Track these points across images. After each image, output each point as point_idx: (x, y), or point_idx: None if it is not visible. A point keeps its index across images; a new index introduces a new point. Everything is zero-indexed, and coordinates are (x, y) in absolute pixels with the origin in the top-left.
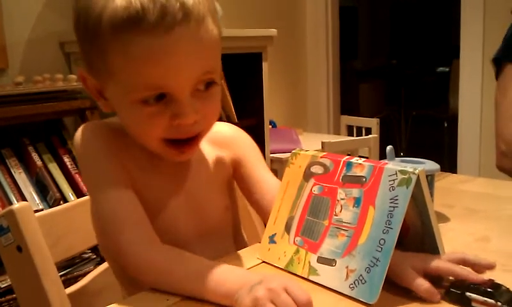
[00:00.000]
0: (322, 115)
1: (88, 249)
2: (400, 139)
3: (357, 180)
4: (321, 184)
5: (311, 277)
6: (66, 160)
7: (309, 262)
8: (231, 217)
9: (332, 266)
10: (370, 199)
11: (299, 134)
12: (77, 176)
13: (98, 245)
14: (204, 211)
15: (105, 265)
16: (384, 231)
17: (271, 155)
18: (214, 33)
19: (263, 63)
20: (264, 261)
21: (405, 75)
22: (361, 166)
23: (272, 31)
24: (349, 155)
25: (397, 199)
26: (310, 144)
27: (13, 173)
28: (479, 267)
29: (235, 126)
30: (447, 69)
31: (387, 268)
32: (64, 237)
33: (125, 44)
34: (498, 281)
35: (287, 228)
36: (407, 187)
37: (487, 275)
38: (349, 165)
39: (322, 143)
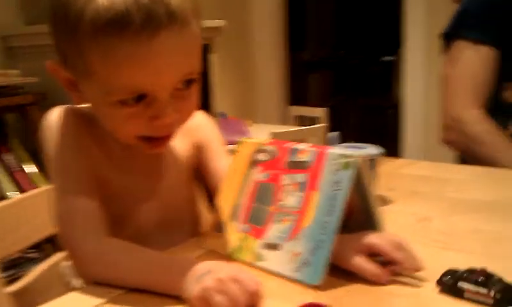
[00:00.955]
0: (271, 106)
1: (33, 249)
2: (348, 128)
3: (301, 166)
4: (266, 171)
5: (257, 263)
6: (8, 157)
7: (255, 248)
8: (194, 208)
9: (278, 251)
10: (313, 183)
11: (249, 125)
12: (19, 173)
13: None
14: (169, 203)
15: (49, 262)
16: (328, 214)
17: None
18: (197, 33)
19: (211, 55)
20: (211, 250)
21: (351, 65)
22: (305, 152)
23: (220, 22)
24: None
25: (339, 183)
26: (260, 134)
27: None
28: (406, 261)
29: (201, 112)
30: (392, 58)
31: (331, 250)
32: (6, 235)
33: (106, 47)
34: (439, 258)
35: (234, 216)
36: (349, 171)
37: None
38: (293, 151)
39: (272, 134)
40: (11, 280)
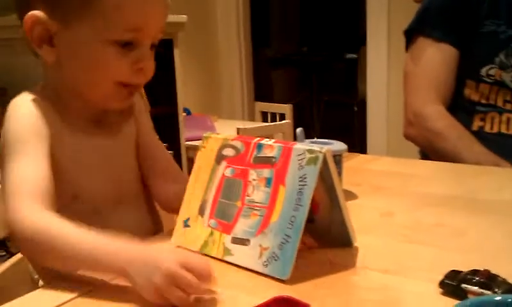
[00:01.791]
0: (236, 102)
1: None
2: (313, 124)
3: (267, 161)
4: (233, 166)
5: (226, 258)
6: None
7: (223, 243)
8: (143, 186)
9: (246, 245)
10: (280, 178)
11: (214, 121)
12: None
13: None
14: (122, 178)
15: (13, 259)
16: (295, 209)
17: (186, 142)
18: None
19: (174, 50)
20: (178, 246)
21: (315, 61)
22: (271, 147)
23: (183, 17)
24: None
25: (305, 178)
26: (225, 130)
27: None
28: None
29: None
30: (355, 56)
31: (298, 244)
32: None
33: None
34: (403, 252)
35: (201, 211)
36: (315, 166)
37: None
38: (259, 146)
39: (238, 129)
40: None
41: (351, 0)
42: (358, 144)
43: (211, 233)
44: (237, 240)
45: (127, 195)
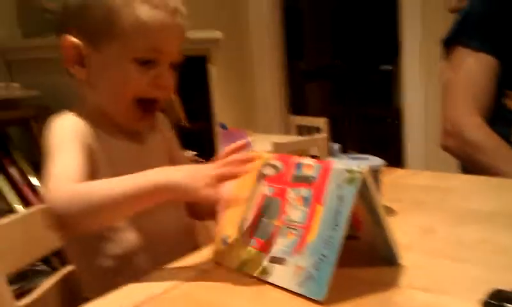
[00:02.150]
0: (271, 116)
1: (41, 262)
2: (348, 137)
3: (306, 180)
4: (272, 185)
5: (263, 277)
6: (12, 171)
7: (261, 262)
8: None
9: (283, 265)
10: (318, 197)
11: (250, 136)
12: (25, 187)
13: None
14: None
15: (57, 276)
16: (332, 229)
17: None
18: (186, 31)
19: (210, 66)
20: (218, 262)
21: (349, 74)
22: (310, 167)
23: (217, 33)
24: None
25: (343, 198)
26: (261, 145)
27: None
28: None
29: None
30: (390, 67)
31: (335, 265)
32: (12, 249)
33: (138, 12)
34: (445, 270)
35: (240, 230)
36: (353, 185)
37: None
38: (299, 166)
39: (273, 144)
40: (19, 293)
41: (385, 11)
42: (394, 158)
43: (249, 252)
44: (274, 259)
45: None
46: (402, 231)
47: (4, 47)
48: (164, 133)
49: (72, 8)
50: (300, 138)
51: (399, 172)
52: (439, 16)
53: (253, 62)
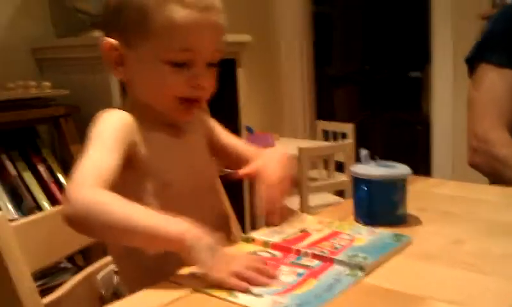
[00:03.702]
0: (298, 120)
1: (65, 259)
2: (375, 143)
3: (305, 266)
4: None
5: (229, 298)
6: (41, 168)
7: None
8: (219, 188)
9: (258, 297)
10: (314, 275)
11: (276, 140)
12: (52, 185)
13: None
14: (198, 170)
15: (82, 274)
16: (320, 294)
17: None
18: (225, 26)
19: (238, 69)
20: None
21: (378, 80)
22: (310, 260)
23: (246, 37)
24: (303, 230)
25: (341, 281)
26: (287, 149)
27: None
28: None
29: None
30: (419, 74)
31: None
32: (39, 247)
33: (170, 12)
34: (471, 282)
35: None
36: (354, 278)
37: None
38: (299, 258)
39: (299, 149)
40: (43, 290)
41: (415, 18)
42: (421, 165)
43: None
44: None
45: (204, 185)
46: (428, 242)
47: (36, 47)
48: (204, 125)
49: (109, 10)
50: (326, 143)
51: (425, 181)
52: (470, 24)
53: (281, 66)
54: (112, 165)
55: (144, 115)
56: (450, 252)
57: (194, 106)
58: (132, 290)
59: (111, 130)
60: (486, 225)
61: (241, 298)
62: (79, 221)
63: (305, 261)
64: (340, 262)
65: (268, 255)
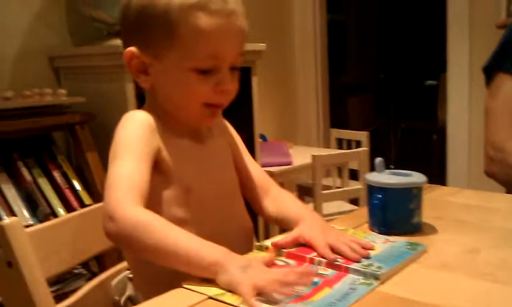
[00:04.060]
0: (312, 128)
1: (79, 265)
2: (390, 152)
3: (320, 275)
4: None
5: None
6: (56, 175)
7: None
8: (240, 193)
9: (271, 304)
10: (328, 283)
11: (290, 148)
12: (66, 191)
13: None
14: (220, 176)
15: (96, 280)
16: (336, 301)
17: (262, 168)
18: (246, 29)
19: (252, 77)
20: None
21: (393, 88)
22: (325, 269)
23: (261, 45)
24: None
25: (356, 290)
26: (301, 157)
27: (2, 188)
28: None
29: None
30: (435, 82)
31: None
32: (54, 253)
33: (195, 20)
34: (486, 291)
35: None
36: (368, 287)
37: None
38: (314, 265)
39: (313, 156)
40: (57, 295)
41: (431, 26)
42: (437, 173)
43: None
44: (262, 300)
45: (226, 191)
46: (444, 250)
47: (53, 55)
48: (226, 132)
49: (130, 20)
50: (340, 151)
51: (441, 189)
52: (486, 33)
53: (295, 74)
54: (145, 178)
55: (166, 121)
56: (466, 261)
57: (218, 110)
58: (148, 297)
59: (138, 137)
60: (502, 234)
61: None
62: (123, 240)
63: (319, 270)
64: (355, 271)
65: (282, 263)
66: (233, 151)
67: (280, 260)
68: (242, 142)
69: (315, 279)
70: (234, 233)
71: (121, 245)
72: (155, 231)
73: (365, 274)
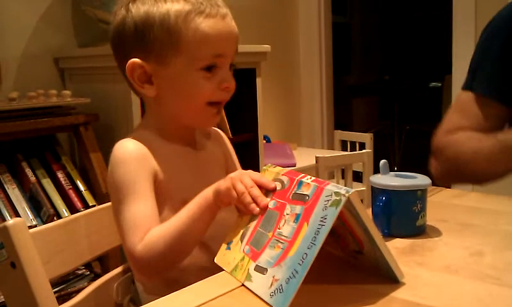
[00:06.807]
0: (316, 130)
1: (82, 266)
2: (394, 154)
3: (302, 198)
4: (276, 199)
5: (246, 283)
6: (60, 175)
7: (248, 269)
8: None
9: (263, 274)
10: (306, 216)
11: (294, 149)
12: (70, 191)
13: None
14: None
15: (99, 281)
16: (309, 247)
17: None
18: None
19: (257, 79)
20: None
21: (397, 90)
22: (308, 185)
23: (266, 47)
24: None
25: (325, 218)
26: (304, 159)
27: (6, 188)
28: None
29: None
30: (440, 84)
31: (302, 280)
32: (58, 253)
33: (196, 25)
34: (491, 294)
35: (242, 237)
36: (336, 208)
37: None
38: (300, 184)
39: (316, 158)
40: (60, 296)
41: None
42: None
43: (242, 258)
44: (258, 268)
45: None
46: (449, 253)
47: (59, 56)
48: (220, 146)
49: (128, 35)
50: (344, 153)
51: (445, 192)
52: None
53: (299, 76)
54: (154, 213)
55: (165, 128)
56: (470, 264)
57: (220, 108)
58: (151, 299)
59: (137, 175)
60: (508, 237)
61: (253, 283)
62: (156, 270)
63: (304, 188)
64: (328, 189)
65: (279, 186)
66: (227, 161)
67: (277, 179)
68: (235, 155)
69: (299, 212)
70: None
71: (162, 272)
72: (166, 236)
73: (336, 192)
